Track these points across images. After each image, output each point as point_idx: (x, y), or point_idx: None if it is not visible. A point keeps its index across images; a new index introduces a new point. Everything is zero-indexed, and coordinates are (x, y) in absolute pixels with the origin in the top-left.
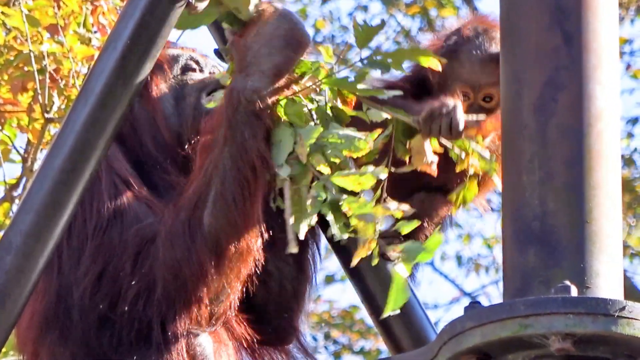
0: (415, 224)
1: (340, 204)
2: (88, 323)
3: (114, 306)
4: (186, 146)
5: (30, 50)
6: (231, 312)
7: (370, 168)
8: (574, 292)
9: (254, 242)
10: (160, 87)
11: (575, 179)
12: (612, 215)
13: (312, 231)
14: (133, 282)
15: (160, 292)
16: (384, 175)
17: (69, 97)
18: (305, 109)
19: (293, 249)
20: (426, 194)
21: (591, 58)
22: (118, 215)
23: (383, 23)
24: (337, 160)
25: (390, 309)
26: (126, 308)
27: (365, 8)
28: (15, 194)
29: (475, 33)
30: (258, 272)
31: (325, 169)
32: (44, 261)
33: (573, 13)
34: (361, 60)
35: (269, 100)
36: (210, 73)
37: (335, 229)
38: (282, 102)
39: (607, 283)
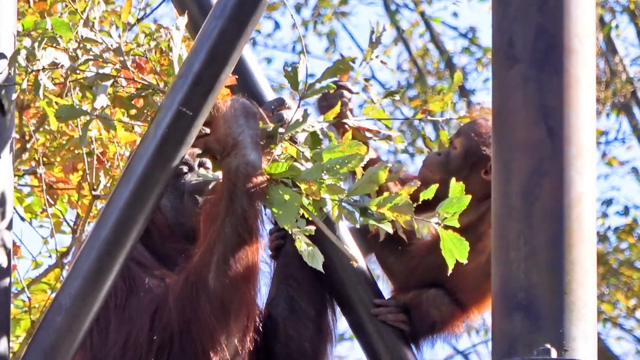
0: (434, 187)
1: (366, 207)
2: None
3: None
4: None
5: (80, 136)
6: None
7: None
8: (554, 354)
9: (255, 300)
10: None
11: (556, 255)
12: (587, 287)
13: (330, 299)
14: (155, 337)
15: (177, 344)
16: (384, 165)
17: (113, 177)
18: (288, 161)
19: (355, 262)
20: (438, 291)
21: (571, 149)
22: (134, 291)
23: (304, 61)
24: (338, 181)
25: (451, 265)
26: None
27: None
28: (65, 261)
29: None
30: (279, 336)
31: (331, 192)
32: (90, 321)
33: (556, 110)
34: (300, 98)
35: (262, 167)
36: (199, 167)
37: (384, 226)
38: (271, 167)
39: (583, 346)
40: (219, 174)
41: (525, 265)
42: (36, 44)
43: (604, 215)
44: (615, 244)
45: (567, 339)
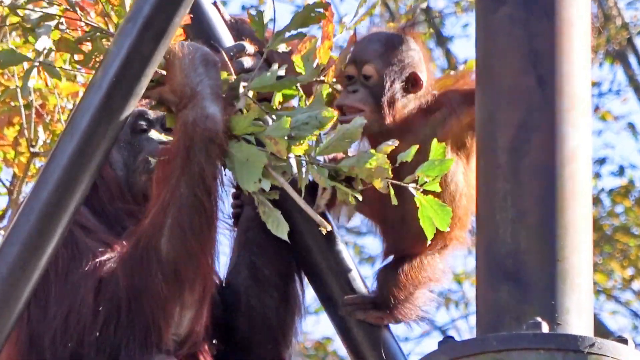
0: (414, 149)
1: (337, 169)
2: None
3: (81, 341)
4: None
5: (16, 86)
6: (199, 337)
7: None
8: (545, 328)
9: (212, 269)
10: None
11: (547, 217)
12: (582, 253)
13: (297, 265)
14: (100, 309)
15: (125, 315)
16: (361, 121)
17: (54, 132)
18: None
19: (325, 228)
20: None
21: (564, 100)
22: (77, 258)
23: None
24: (311, 139)
25: (430, 234)
26: (97, 334)
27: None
28: (1, 225)
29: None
30: (241, 307)
31: (299, 151)
32: (30, 290)
33: (546, 56)
34: (261, 52)
35: (222, 121)
36: (160, 125)
37: (346, 193)
38: (232, 122)
39: (577, 320)
40: None
41: (512, 228)
42: None
43: (597, 175)
44: (610, 207)
45: (559, 311)
